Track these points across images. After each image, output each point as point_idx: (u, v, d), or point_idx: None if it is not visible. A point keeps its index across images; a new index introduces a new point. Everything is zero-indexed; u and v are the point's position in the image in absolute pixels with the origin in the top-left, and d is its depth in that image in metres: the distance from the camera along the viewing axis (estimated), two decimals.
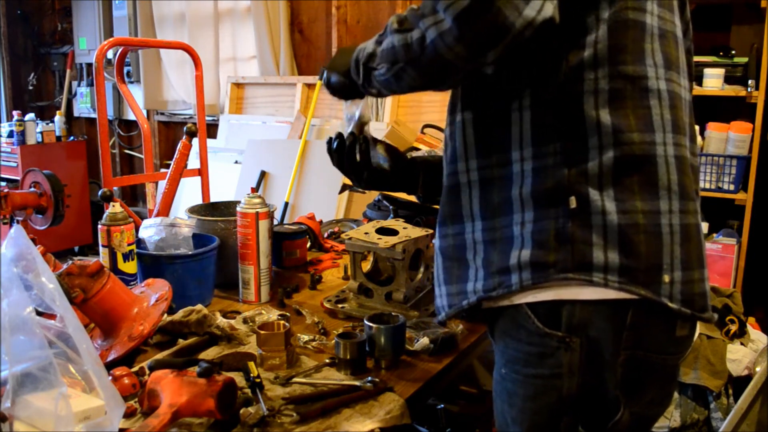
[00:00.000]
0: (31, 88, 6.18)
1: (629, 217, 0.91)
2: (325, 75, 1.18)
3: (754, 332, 2.68)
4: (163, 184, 3.02)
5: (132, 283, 1.46)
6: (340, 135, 1.30)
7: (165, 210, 2.96)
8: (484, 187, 1.01)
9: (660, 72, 0.96)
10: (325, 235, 2.20)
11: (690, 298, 0.95)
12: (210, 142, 4.33)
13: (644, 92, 0.94)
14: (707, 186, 3.05)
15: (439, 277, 1.09)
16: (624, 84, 0.93)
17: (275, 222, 1.69)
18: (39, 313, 0.98)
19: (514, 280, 0.95)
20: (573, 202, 0.92)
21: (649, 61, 0.95)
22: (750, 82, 2.96)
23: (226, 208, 1.81)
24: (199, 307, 1.35)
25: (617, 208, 0.91)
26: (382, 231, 1.54)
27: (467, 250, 1.03)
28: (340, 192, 3.54)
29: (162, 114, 5.37)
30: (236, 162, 4.55)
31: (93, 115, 5.60)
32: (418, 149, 2.32)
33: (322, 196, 3.94)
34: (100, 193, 2.21)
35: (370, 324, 1.23)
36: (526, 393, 1.01)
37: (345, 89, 1.17)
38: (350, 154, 1.29)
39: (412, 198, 2.12)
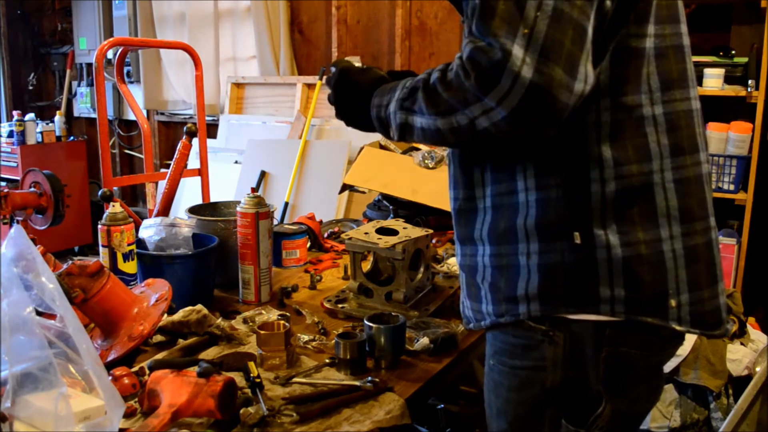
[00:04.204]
0: (31, 88, 6.18)
1: (632, 249, 0.92)
2: (336, 113, 1.15)
3: (754, 332, 2.68)
4: (163, 184, 3.02)
5: (132, 283, 1.46)
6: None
7: (165, 210, 2.96)
8: (495, 214, 1.01)
9: (656, 96, 0.94)
10: (325, 235, 2.20)
11: (700, 317, 0.96)
12: (210, 142, 4.34)
13: (640, 120, 0.93)
14: None
15: (464, 290, 1.11)
16: (624, 115, 0.93)
17: (275, 222, 1.69)
18: (39, 313, 0.98)
19: (522, 310, 0.98)
20: (578, 238, 0.93)
21: (644, 87, 0.94)
22: (750, 82, 2.96)
23: (226, 208, 1.81)
24: (199, 307, 1.35)
25: (620, 241, 0.92)
26: (382, 231, 1.54)
27: (477, 272, 1.05)
28: (340, 192, 3.54)
29: (162, 114, 5.37)
30: (236, 162, 4.55)
31: (93, 115, 5.60)
32: (418, 149, 2.32)
33: (322, 196, 3.94)
34: (100, 193, 2.21)
35: (370, 324, 1.23)
36: (510, 384, 1.03)
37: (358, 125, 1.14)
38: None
39: (412, 197, 2.12)
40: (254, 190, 1.57)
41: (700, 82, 3.04)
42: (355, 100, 1.08)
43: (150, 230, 1.60)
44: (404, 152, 2.35)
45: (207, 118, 4.06)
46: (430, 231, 1.59)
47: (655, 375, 1.06)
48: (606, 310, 0.93)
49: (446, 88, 0.87)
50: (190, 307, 1.35)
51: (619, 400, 1.00)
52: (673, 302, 0.94)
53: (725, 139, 3.03)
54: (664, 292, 0.94)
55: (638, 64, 0.93)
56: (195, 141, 3.05)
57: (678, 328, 0.95)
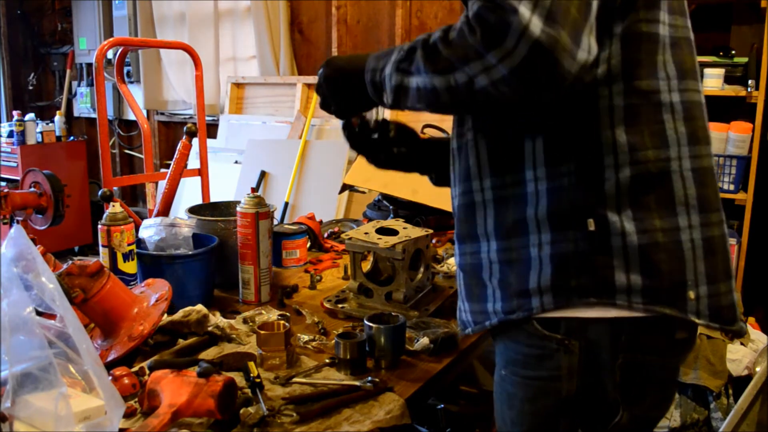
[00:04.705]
0: (31, 88, 6.18)
1: (649, 237, 0.91)
2: (326, 97, 1.13)
3: (754, 332, 2.68)
4: (163, 184, 3.02)
5: (132, 283, 1.46)
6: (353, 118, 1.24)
7: (165, 210, 2.96)
8: (499, 207, 0.99)
9: (673, 84, 0.94)
10: (325, 235, 2.20)
11: (717, 311, 0.94)
12: (210, 142, 4.34)
13: (657, 107, 0.93)
14: None
15: (461, 292, 1.08)
16: (639, 100, 0.92)
17: (275, 222, 1.69)
18: (39, 313, 0.98)
19: (535, 303, 0.94)
20: (591, 225, 0.91)
21: (662, 74, 0.93)
22: (750, 82, 2.96)
23: (226, 208, 1.81)
24: (199, 307, 1.35)
25: (636, 228, 0.90)
26: (382, 231, 1.54)
27: (483, 270, 1.02)
28: (340, 192, 3.53)
29: (162, 114, 5.37)
30: (236, 162, 4.55)
31: (93, 115, 5.60)
32: None
33: (322, 196, 3.94)
34: (100, 193, 2.21)
35: (370, 324, 1.23)
36: (525, 395, 1.01)
37: (357, 108, 1.13)
38: (366, 134, 1.24)
39: (412, 197, 2.12)
40: (254, 190, 1.57)
41: None
42: (349, 77, 1.06)
43: (150, 230, 1.60)
44: None
45: (207, 118, 4.06)
46: (430, 231, 1.59)
47: (671, 381, 1.05)
48: (623, 300, 0.90)
49: (447, 45, 0.86)
50: (190, 307, 1.35)
51: (635, 407, 0.98)
52: (691, 294, 0.92)
53: (725, 139, 3.03)
54: (683, 283, 0.92)
55: (650, 48, 0.92)
56: (195, 141, 3.06)
57: (697, 321, 0.92)
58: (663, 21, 0.93)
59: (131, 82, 5.25)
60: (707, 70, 3.03)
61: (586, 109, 0.91)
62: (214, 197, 3.33)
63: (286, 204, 4.05)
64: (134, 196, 5.81)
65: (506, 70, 0.80)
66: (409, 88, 0.93)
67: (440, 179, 1.36)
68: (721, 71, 3.02)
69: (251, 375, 1.11)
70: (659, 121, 0.93)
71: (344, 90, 1.09)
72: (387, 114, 1.28)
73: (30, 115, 5.22)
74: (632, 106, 0.91)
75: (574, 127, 0.92)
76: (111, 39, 2.97)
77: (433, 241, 1.91)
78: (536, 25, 0.77)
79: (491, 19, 0.79)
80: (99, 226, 1.47)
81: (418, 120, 3.95)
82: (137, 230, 1.59)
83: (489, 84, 0.82)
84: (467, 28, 0.83)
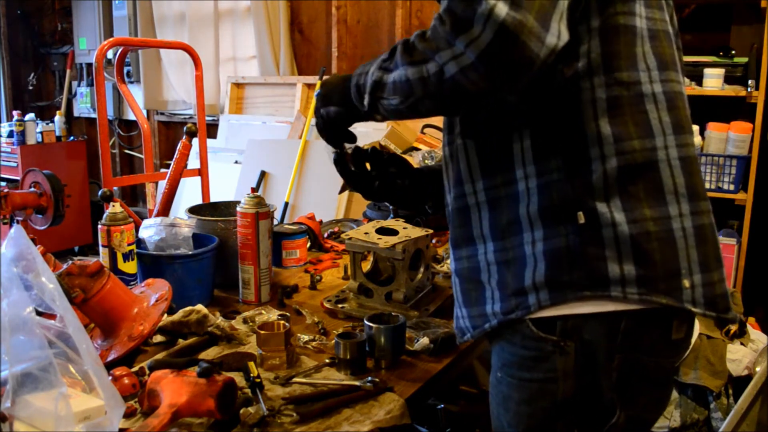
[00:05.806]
0: (31, 88, 6.18)
1: (640, 226, 0.91)
2: (318, 110, 1.13)
3: (754, 332, 2.68)
4: (163, 184, 3.02)
5: (132, 283, 1.46)
6: (342, 149, 1.26)
7: (165, 210, 2.96)
8: (493, 208, 1.00)
9: (654, 75, 0.95)
10: (325, 235, 2.20)
11: (713, 300, 0.95)
12: (210, 142, 4.34)
13: (639, 97, 0.93)
14: (707, 186, 3.05)
15: (458, 298, 1.08)
16: (621, 91, 0.92)
17: (275, 222, 1.69)
18: (39, 313, 0.98)
19: (532, 301, 0.94)
20: (581, 218, 0.91)
21: (642, 65, 0.94)
22: (750, 82, 2.96)
23: (226, 208, 1.81)
24: (199, 307, 1.35)
25: (626, 218, 0.91)
26: (382, 231, 1.54)
27: (481, 272, 1.02)
28: (340, 192, 3.54)
29: (162, 114, 5.37)
30: (236, 162, 4.55)
31: (93, 115, 5.60)
32: (418, 149, 2.32)
33: (322, 196, 3.94)
34: (100, 193, 2.21)
35: (370, 324, 1.23)
36: (521, 397, 1.01)
37: (342, 120, 1.12)
38: (358, 165, 1.26)
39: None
40: (254, 190, 1.57)
41: (700, 82, 3.05)
42: (338, 85, 1.08)
43: (150, 230, 1.60)
44: (404, 152, 2.36)
45: (207, 118, 4.06)
46: (430, 231, 1.59)
47: (667, 381, 1.04)
48: (617, 292, 0.90)
49: (422, 39, 0.89)
50: (190, 307, 1.35)
51: (631, 408, 0.98)
52: (686, 282, 0.92)
53: (725, 139, 3.03)
54: (677, 271, 0.92)
55: (629, 40, 0.93)
56: (195, 141, 3.05)
57: (693, 309, 0.93)
58: (640, 14, 0.95)
59: (131, 82, 5.25)
60: (707, 70, 3.03)
61: (570, 103, 0.92)
62: (214, 197, 3.33)
63: (286, 204, 4.05)
64: (134, 196, 5.81)
65: (474, 56, 0.81)
66: (386, 84, 0.95)
67: (437, 207, 1.36)
68: (721, 71, 3.02)
69: (251, 375, 1.11)
70: (642, 111, 0.93)
71: (333, 97, 1.10)
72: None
73: (30, 115, 5.22)
74: (614, 98, 0.92)
75: (559, 123, 0.93)
76: (111, 39, 2.97)
77: (433, 241, 1.91)
78: (502, 9, 0.78)
79: (459, 8, 0.82)
80: (99, 226, 1.47)
81: (418, 120, 3.96)
82: (137, 230, 1.59)
83: (458, 71, 0.84)
84: (438, 21, 0.85)
